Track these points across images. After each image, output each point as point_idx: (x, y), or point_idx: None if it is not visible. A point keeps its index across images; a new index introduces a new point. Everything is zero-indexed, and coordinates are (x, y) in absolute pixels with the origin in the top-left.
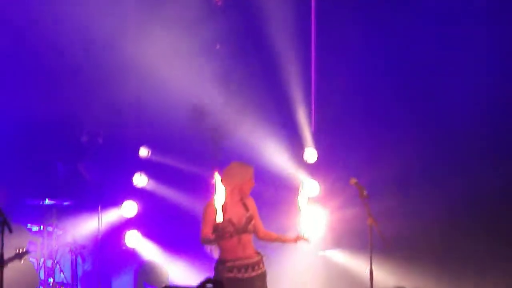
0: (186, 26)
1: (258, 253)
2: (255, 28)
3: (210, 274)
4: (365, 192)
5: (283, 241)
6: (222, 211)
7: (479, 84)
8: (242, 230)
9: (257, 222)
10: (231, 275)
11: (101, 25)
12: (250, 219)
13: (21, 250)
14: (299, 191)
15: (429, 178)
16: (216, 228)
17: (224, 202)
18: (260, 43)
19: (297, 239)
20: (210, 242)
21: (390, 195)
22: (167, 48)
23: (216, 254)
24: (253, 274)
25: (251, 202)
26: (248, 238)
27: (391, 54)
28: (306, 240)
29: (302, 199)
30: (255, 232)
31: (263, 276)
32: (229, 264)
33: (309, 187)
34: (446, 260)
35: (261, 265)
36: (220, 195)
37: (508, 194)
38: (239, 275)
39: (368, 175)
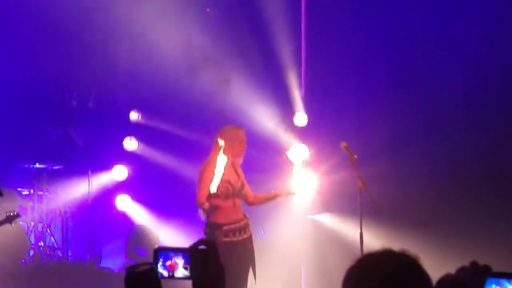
0: None
1: (245, 215)
2: None
3: (201, 237)
4: (355, 156)
5: (271, 197)
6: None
7: (465, 56)
8: (237, 193)
9: (247, 187)
10: (227, 239)
11: None
12: (243, 184)
13: (12, 213)
14: (290, 153)
15: (417, 143)
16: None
17: (228, 165)
18: (251, 6)
19: (286, 193)
20: (204, 210)
21: (380, 159)
22: (158, 10)
23: (204, 217)
24: (245, 236)
25: (240, 169)
26: (240, 202)
27: (383, 22)
28: (293, 193)
29: (295, 160)
30: (245, 197)
31: (251, 238)
32: (225, 228)
33: (299, 151)
34: (434, 224)
35: (248, 228)
36: (220, 158)
37: (493, 161)
38: (234, 239)
39: (358, 139)
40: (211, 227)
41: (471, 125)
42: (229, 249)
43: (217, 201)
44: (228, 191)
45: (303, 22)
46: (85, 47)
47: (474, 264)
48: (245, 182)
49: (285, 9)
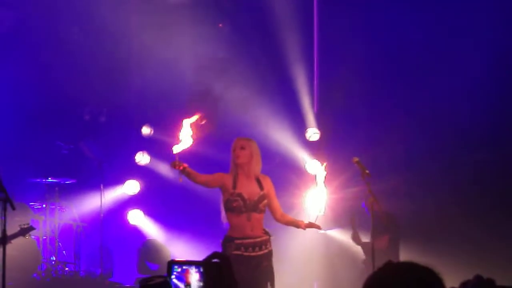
0: (188, 6)
1: (266, 232)
2: (258, 8)
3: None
4: (367, 171)
5: (295, 224)
6: (235, 185)
7: (475, 73)
8: (252, 207)
9: (274, 202)
10: (237, 252)
11: (103, 4)
12: (262, 197)
13: (25, 225)
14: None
15: (431, 160)
16: (227, 199)
17: (237, 178)
18: (264, 23)
19: (309, 225)
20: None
21: (391, 175)
22: (170, 25)
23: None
24: (260, 253)
25: (267, 182)
26: (259, 217)
27: (395, 41)
28: (318, 227)
29: (319, 181)
30: (272, 212)
31: (269, 255)
32: (237, 241)
33: (312, 166)
34: (443, 239)
35: (268, 245)
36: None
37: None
38: (246, 253)
39: (370, 155)
40: (225, 240)
41: (477, 144)
42: (238, 263)
43: (231, 215)
44: (239, 205)
45: (315, 39)
46: (97, 61)
47: (478, 278)
48: (272, 195)
49: (298, 26)
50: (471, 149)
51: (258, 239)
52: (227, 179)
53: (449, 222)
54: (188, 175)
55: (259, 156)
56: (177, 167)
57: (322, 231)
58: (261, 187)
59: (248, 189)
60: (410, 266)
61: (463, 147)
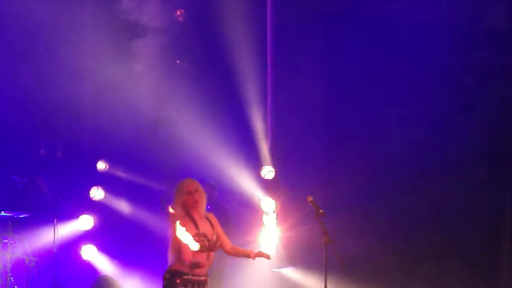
0: (145, 43)
1: (208, 274)
2: (212, 46)
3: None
4: (320, 210)
5: (245, 254)
6: (197, 225)
7: (433, 106)
8: (212, 247)
9: (223, 237)
10: None
11: (59, 40)
12: (218, 236)
13: None
14: (261, 209)
15: (384, 198)
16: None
17: (194, 218)
18: (218, 60)
19: (258, 255)
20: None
21: (346, 214)
22: (125, 61)
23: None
24: None
25: (213, 218)
26: (213, 256)
27: (346, 75)
28: (267, 257)
29: (267, 217)
30: (222, 247)
31: None
32: (185, 277)
33: (267, 204)
34: (398, 278)
35: (207, 286)
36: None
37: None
38: None
39: (324, 193)
40: (171, 274)
41: (431, 182)
42: None
43: (191, 252)
44: (204, 245)
45: (269, 77)
46: (54, 97)
47: None
48: (221, 232)
49: (252, 64)
50: (425, 188)
51: (202, 278)
52: (188, 223)
53: (404, 261)
54: None
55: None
56: None
57: (276, 270)
58: (212, 226)
59: (208, 228)
60: None
61: (419, 183)
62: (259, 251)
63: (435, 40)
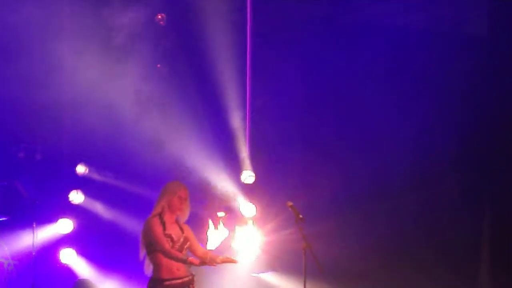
0: (126, 46)
1: (191, 272)
2: (193, 48)
3: None
4: (300, 216)
5: (212, 261)
6: (164, 227)
7: (414, 111)
8: (179, 248)
9: (195, 243)
10: None
11: (38, 38)
12: (186, 239)
13: None
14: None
15: (364, 203)
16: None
17: (164, 220)
18: (197, 64)
19: (224, 260)
20: (175, 258)
21: (325, 219)
22: (105, 61)
23: (148, 271)
24: None
25: (186, 226)
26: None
27: (325, 79)
28: (234, 261)
29: (239, 221)
30: (193, 253)
31: None
32: (166, 283)
33: (245, 209)
34: (381, 285)
35: (193, 285)
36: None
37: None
38: None
39: (304, 198)
40: (154, 282)
41: (417, 185)
42: None
43: (160, 256)
44: (170, 246)
45: (248, 82)
46: (32, 99)
47: None
48: (191, 237)
49: (232, 68)
50: (407, 193)
51: (186, 279)
52: (159, 225)
53: (385, 267)
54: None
55: None
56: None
57: (255, 274)
58: (181, 230)
59: (174, 231)
60: None
61: (398, 191)
62: (225, 256)
63: (420, 43)
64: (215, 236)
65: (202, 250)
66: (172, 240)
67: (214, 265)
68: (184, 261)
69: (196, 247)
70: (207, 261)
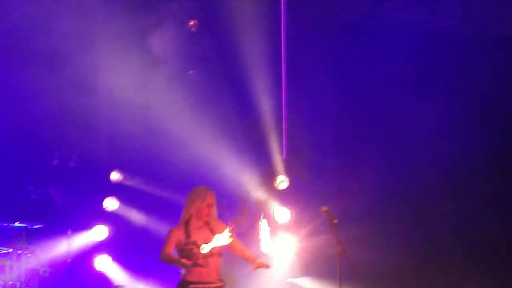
0: (160, 52)
1: (222, 280)
2: (227, 55)
3: None
4: (335, 220)
5: (251, 262)
6: (187, 235)
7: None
8: (208, 253)
9: (233, 243)
10: None
11: (73, 47)
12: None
13: None
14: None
15: (399, 207)
16: (182, 249)
17: (189, 227)
18: (233, 70)
19: (258, 266)
20: (169, 261)
21: (360, 224)
22: (141, 71)
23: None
24: None
25: (219, 225)
26: (216, 262)
27: (359, 85)
28: (266, 267)
29: (265, 227)
30: (232, 251)
31: None
32: (191, 286)
33: (278, 214)
34: None
35: None
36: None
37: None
38: None
39: (339, 203)
40: (181, 284)
41: (451, 191)
42: None
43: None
44: (195, 252)
45: (284, 84)
46: (68, 106)
47: None
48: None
49: (267, 73)
50: (442, 198)
51: (213, 285)
52: (178, 232)
53: (420, 272)
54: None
55: None
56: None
57: (290, 280)
58: (212, 232)
59: (202, 236)
60: None
61: (432, 196)
62: (259, 262)
63: (451, 47)
64: (268, 239)
65: (240, 247)
66: (197, 246)
67: (253, 267)
68: (177, 263)
69: (233, 246)
70: (247, 258)
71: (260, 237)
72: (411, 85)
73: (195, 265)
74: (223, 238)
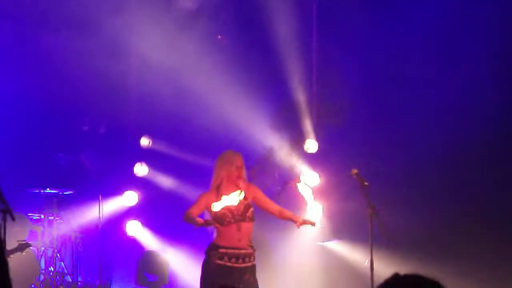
0: (185, 17)
1: (252, 246)
2: (257, 23)
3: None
4: (365, 183)
5: (292, 219)
6: (219, 199)
7: (473, 85)
8: (240, 217)
9: (266, 204)
10: (221, 262)
11: (101, 11)
12: (248, 206)
13: (22, 241)
14: (301, 181)
15: (429, 172)
16: (215, 216)
17: (221, 192)
18: (263, 36)
19: (304, 222)
20: (188, 220)
21: (391, 187)
22: (171, 37)
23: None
24: (243, 265)
25: (251, 189)
26: (248, 227)
27: (392, 51)
28: (312, 223)
29: (304, 188)
30: (269, 213)
31: (252, 269)
32: (222, 250)
33: (309, 178)
34: (443, 254)
35: (252, 258)
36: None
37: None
38: (229, 264)
39: (369, 167)
40: (210, 247)
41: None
42: (221, 273)
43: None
44: (225, 217)
45: (314, 47)
46: (96, 72)
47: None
48: (260, 200)
49: (296, 34)
50: (479, 163)
51: (243, 251)
52: (210, 197)
53: (452, 234)
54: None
55: None
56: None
57: (321, 243)
58: (244, 196)
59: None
60: (417, 279)
61: (469, 162)
62: (304, 219)
63: (476, 33)
64: (313, 207)
65: (276, 207)
66: (230, 211)
67: (297, 224)
68: (193, 221)
69: (268, 205)
70: (288, 217)
71: (304, 198)
72: (448, 61)
73: (207, 224)
74: (234, 198)
